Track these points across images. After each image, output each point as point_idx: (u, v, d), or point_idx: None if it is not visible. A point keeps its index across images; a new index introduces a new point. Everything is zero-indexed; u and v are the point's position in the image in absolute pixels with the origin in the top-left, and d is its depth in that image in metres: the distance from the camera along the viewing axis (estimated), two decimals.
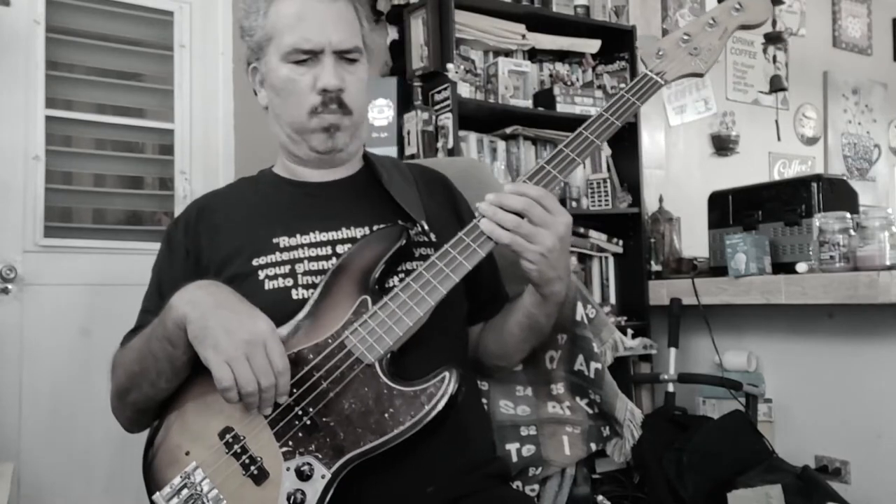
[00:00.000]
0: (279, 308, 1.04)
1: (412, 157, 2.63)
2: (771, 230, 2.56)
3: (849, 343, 2.40)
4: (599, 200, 3.00)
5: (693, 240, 3.09)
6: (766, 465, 2.24)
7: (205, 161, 2.56)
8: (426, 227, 1.15)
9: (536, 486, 1.25)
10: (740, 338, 2.71)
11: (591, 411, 1.27)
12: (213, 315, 0.97)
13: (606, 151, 3.13)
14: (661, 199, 3.18)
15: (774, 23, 3.73)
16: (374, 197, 1.19)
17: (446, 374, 0.99)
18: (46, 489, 2.22)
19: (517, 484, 1.23)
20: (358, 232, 1.14)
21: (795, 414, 2.55)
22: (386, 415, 0.97)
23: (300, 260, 1.12)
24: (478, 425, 1.19)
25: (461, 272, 1.02)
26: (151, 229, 2.48)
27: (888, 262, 2.13)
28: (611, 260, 3.13)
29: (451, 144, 2.60)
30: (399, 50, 2.87)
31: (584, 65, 3.14)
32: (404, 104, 2.73)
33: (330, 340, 1.01)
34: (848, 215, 2.28)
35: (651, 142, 3.46)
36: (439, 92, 2.66)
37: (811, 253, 2.39)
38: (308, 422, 0.98)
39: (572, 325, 1.26)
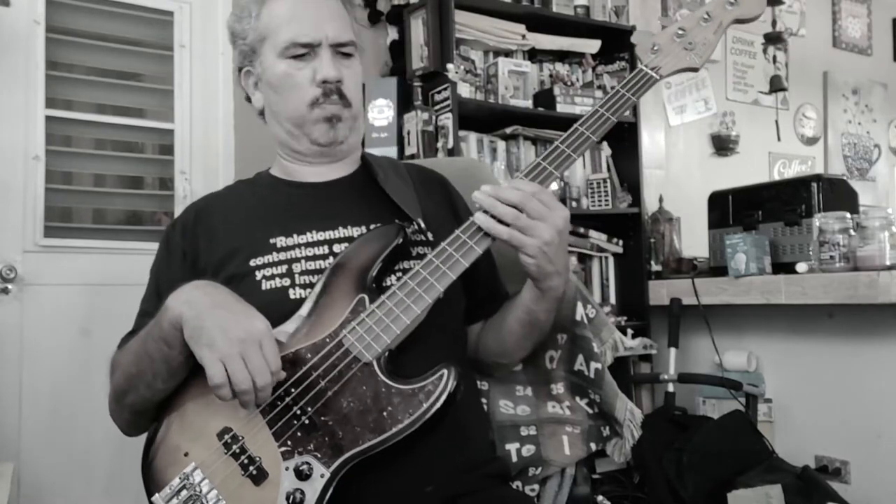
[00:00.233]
0: (276, 308, 1.05)
1: (412, 157, 2.63)
2: (771, 230, 2.56)
3: (849, 343, 2.40)
4: (599, 200, 3.00)
5: (693, 240, 3.09)
6: (766, 465, 2.24)
7: (205, 161, 2.56)
8: (423, 226, 1.15)
9: (536, 486, 1.25)
10: (740, 338, 2.71)
11: (591, 411, 1.27)
12: (209, 314, 0.97)
13: (606, 151, 3.14)
14: (661, 199, 3.18)
15: (774, 23, 3.72)
16: (370, 196, 1.19)
17: (444, 371, 0.99)
18: (46, 489, 2.22)
19: (517, 484, 1.23)
20: (355, 231, 1.15)
21: (795, 414, 2.55)
22: (384, 413, 0.97)
23: (297, 260, 1.12)
24: (477, 425, 1.19)
25: (458, 269, 1.02)
26: (151, 229, 2.48)
27: (888, 262, 2.13)
28: (611, 260, 3.12)
29: (451, 144, 2.60)
30: (399, 50, 2.87)
31: (584, 65, 3.14)
32: (404, 104, 2.73)
33: (328, 339, 1.01)
34: (848, 215, 2.28)
35: (651, 142, 3.46)
36: (439, 92, 2.66)
37: (811, 253, 2.39)
38: (306, 421, 0.98)
39: (572, 325, 1.26)
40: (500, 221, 1.01)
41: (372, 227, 1.14)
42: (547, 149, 1.10)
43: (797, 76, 4.12)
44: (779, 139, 3.88)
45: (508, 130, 2.86)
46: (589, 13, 3.09)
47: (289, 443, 0.97)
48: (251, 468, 0.97)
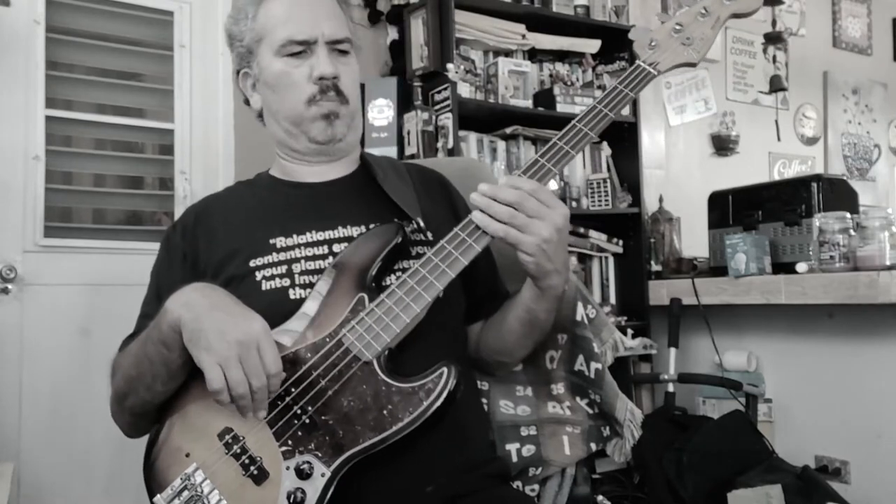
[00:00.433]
0: (277, 308, 1.05)
1: (412, 157, 2.63)
2: (771, 230, 2.56)
3: (849, 343, 2.40)
4: (599, 200, 3.00)
5: (693, 240, 3.09)
6: (766, 465, 2.24)
7: (205, 161, 2.56)
8: (422, 225, 1.15)
9: (536, 486, 1.25)
10: (740, 338, 2.71)
11: (591, 411, 1.27)
12: (207, 317, 0.97)
13: (606, 151, 3.14)
14: (661, 199, 3.18)
15: (774, 23, 3.73)
16: (370, 196, 1.19)
17: (444, 369, 0.99)
18: (46, 489, 2.22)
19: (517, 484, 1.23)
20: (354, 231, 1.15)
21: (795, 414, 2.55)
22: (384, 411, 0.97)
23: (297, 260, 1.12)
24: (477, 425, 1.19)
25: (457, 268, 1.02)
26: (151, 229, 2.48)
27: (888, 262, 2.13)
28: (611, 260, 3.13)
29: (451, 144, 2.60)
30: (399, 50, 2.87)
31: (584, 65, 3.14)
32: (404, 104, 2.73)
33: (328, 339, 1.01)
34: (848, 215, 2.28)
35: (651, 142, 3.46)
36: (439, 92, 2.66)
37: (811, 253, 2.39)
38: (307, 420, 0.98)
39: (572, 326, 1.26)
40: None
41: (371, 226, 1.14)
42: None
43: (797, 76, 4.12)
44: (779, 139, 3.88)
45: (508, 130, 2.86)
46: (589, 13, 3.09)
47: (289, 442, 0.97)
48: (252, 468, 0.97)
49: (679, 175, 3.58)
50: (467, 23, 2.80)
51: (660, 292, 2.92)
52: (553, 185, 0.96)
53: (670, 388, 2.68)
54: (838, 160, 4.37)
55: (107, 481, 2.30)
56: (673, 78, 3.59)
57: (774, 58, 3.92)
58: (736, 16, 1.18)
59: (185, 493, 0.98)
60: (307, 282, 1.10)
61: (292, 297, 1.09)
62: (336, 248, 1.13)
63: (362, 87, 2.28)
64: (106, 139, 2.46)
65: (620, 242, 3.11)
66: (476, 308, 1.24)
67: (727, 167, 3.77)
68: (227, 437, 0.99)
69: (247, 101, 1.28)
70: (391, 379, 0.99)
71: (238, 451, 0.98)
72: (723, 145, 3.78)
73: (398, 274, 1.10)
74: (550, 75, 3.06)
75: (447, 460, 1.07)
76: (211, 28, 2.59)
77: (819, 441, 2.46)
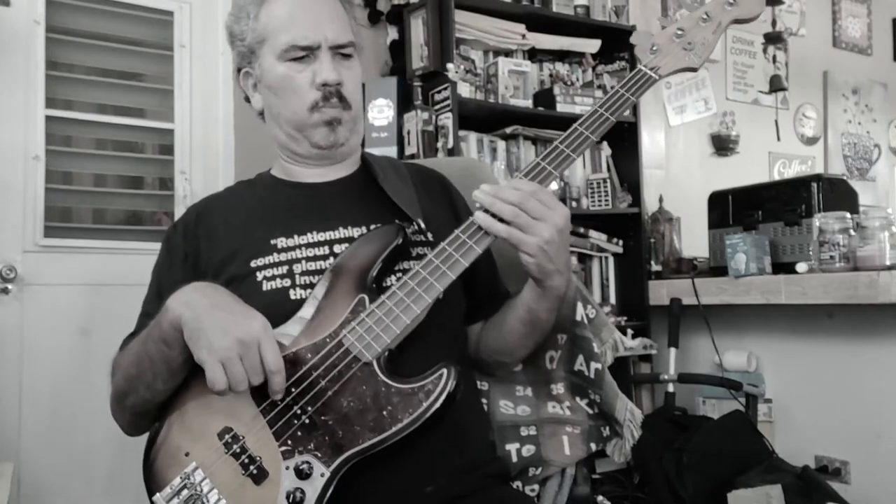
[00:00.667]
0: (277, 308, 1.05)
1: (412, 157, 2.63)
2: (771, 230, 2.56)
3: (849, 343, 2.40)
4: (599, 200, 3.00)
5: (693, 240, 3.09)
6: (766, 465, 2.24)
7: (205, 161, 2.56)
8: (423, 226, 1.15)
9: (536, 487, 1.25)
10: (740, 338, 2.71)
11: (591, 411, 1.27)
12: (208, 316, 0.97)
13: (606, 151, 3.14)
14: (661, 199, 3.18)
15: (774, 23, 3.72)
16: (370, 196, 1.19)
17: (444, 370, 0.99)
18: (46, 489, 2.22)
19: (517, 484, 1.23)
20: (355, 231, 1.15)
21: (795, 414, 2.55)
22: (384, 412, 0.97)
23: (298, 260, 1.12)
24: (477, 425, 1.19)
25: (458, 269, 1.02)
26: (151, 229, 2.48)
27: (888, 262, 2.13)
28: (611, 260, 3.13)
29: (451, 144, 2.60)
30: (399, 50, 2.87)
31: (584, 65, 3.14)
32: (404, 104, 2.73)
33: (328, 339, 1.01)
34: (848, 215, 2.28)
35: (651, 142, 3.46)
36: (439, 92, 2.66)
37: (811, 253, 2.39)
38: (307, 420, 0.98)
39: (572, 326, 1.26)
40: (500, 220, 1.01)
41: (372, 227, 1.14)
42: (547, 149, 1.10)
43: (797, 76, 4.13)
44: (779, 139, 3.88)
45: (508, 130, 2.86)
46: (589, 13, 3.09)
47: (289, 442, 0.97)
48: (251, 467, 0.97)
49: (679, 175, 3.59)
50: (467, 23, 2.80)
51: (660, 292, 2.92)
52: (553, 185, 0.97)
53: (670, 388, 2.69)
54: (838, 160, 4.37)
55: (107, 481, 2.30)
56: (673, 78, 3.57)
57: (774, 58, 3.92)
58: (737, 21, 1.19)
59: (185, 491, 0.98)
60: (308, 282, 1.10)
61: (293, 297, 1.09)
62: (337, 248, 1.13)
63: (362, 86, 2.27)
64: (106, 139, 2.46)
65: (620, 242, 3.12)
66: (476, 309, 1.23)
67: (727, 167, 3.77)
68: (226, 436, 0.99)
69: (247, 99, 1.27)
70: (391, 380, 0.99)
71: (238, 450, 0.98)
72: (723, 145, 3.78)
73: (398, 275, 1.10)
74: (550, 75, 3.06)
75: (447, 461, 1.07)
76: (211, 28, 2.59)
77: (819, 441, 2.46)
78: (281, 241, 1.14)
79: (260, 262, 1.12)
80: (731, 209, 2.72)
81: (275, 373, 0.95)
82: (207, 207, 1.24)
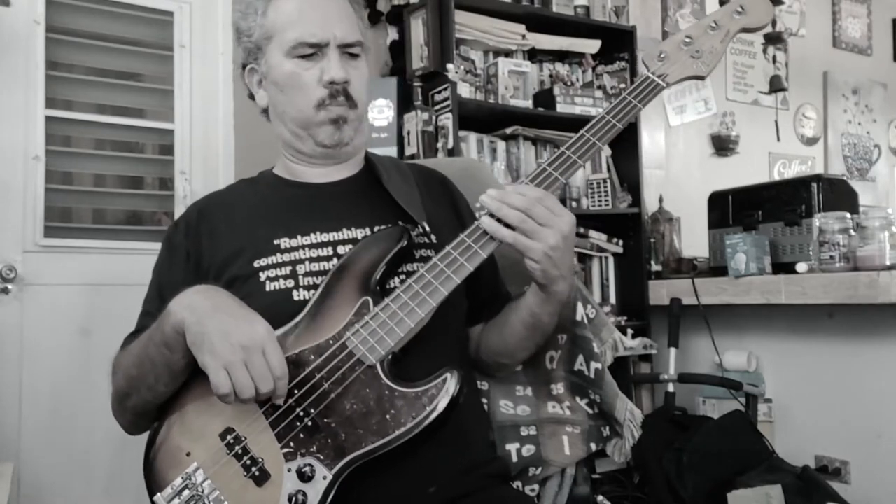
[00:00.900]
0: (280, 309, 1.05)
1: (412, 157, 2.63)
2: (771, 230, 2.56)
3: (849, 343, 2.40)
4: (599, 200, 3.00)
5: (693, 240, 3.09)
6: (766, 465, 2.24)
7: (205, 161, 2.56)
8: (427, 229, 1.15)
9: (536, 487, 1.25)
10: (740, 338, 2.71)
11: (591, 411, 1.27)
12: (210, 320, 0.96)
13: (606, 151, 3.13)
14: (661, 199, 3.18)
15: (774, 23, 3.73)
16: (374, 197, 1.19)
17: (447, 375, 0.98)
18: (46, 489, 2.22)
19: (517, 484, 1.23)
20: (359, 233, 1.14)
21: (795, 414, 2.56)
22: (387, 416, 0.97)
23: (301, 261, 1.11)
24: (477, 425, 1.19)
25: (463, 273, 1.02)
26: (151, 229, 2.48)
27: (888, 262, 2.13)
28: (611, 260, 3.13)
29: (451, 144, 2.60)
30: (399, 50, 2.87)
31: (584, 65, 3.14)
32: (404, 104, 2.73)
33: (331, 341, 1.01)
34: (848, 215, 2.28)
35: (651, 142, 3.46)
36: (439, 92, 2.66)
37: (811, 253, 2.39)
38: (309, 423, 0.98)
39: (572, 326, 1.26)
40: (506, 225, 1.01)
41: (376, 229, 1.14)
42: (548, 149, 1.10)
43: (797, 76, 4.13)
44: (779, 139, 3.89)
45: (508, 130, 2.86)
46: (589, 13, 3.09)
47: (291, 444, 0.97)
48: (253, 469, 0.97)
49: (679, 175, 3.59)
50: (467, 23, 2.80)
51: (660, 292, 2.92)
52: None
53: (670, 388, 2.69)
54: (838, 160, 4.37)
55: (107, 481, 2.30)
56: None
57: (774, 58, 3.92)
58: (745, 30, 1.18)
59: (186, 492, 0.98)
60: (311, 283, 1.09)
61: (296, 298, 1.08)
62: (340, 249, 1.12)
63: None
64: (106, 139, 2.46)
65: (620, 242, 3.12)
66: (477, 310, 1.23)
67: (727, 167, 3.77)
68: (228, 437, 0.99)
69: (251, 96, 1.26)
70: (394, 383, 0.99)
71: (240, 451, 0.98)
72: (723, 145, 3.78)
73: (402, 277, 1.10)
74: (550, 75, 3.06)
75: (448, 463, 1.07)
76: (211, 28, 2.59)
77: (819, 441, 2.46)
78: (284, 242, 1.13)
79: (263, 262, 1.12)
80: (731, 209, 2.72)
81: (279, 377, 0.95)
82: (209, 205, 1.24)
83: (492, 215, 1.01)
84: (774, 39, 3.75)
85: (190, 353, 0.98)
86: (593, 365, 1.25)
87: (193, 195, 2.45)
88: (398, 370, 1.01)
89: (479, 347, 1.25)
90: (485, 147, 2.85)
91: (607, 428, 1.28)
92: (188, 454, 1.00)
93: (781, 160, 4.07)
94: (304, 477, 0.95)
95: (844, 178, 3.50)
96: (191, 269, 1.16)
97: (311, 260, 1.11)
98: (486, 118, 2.82)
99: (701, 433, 2.34)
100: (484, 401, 1.26)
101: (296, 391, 0.98)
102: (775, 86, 3.78)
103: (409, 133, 2.69)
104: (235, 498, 0.97)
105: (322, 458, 0.96)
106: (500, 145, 2.89)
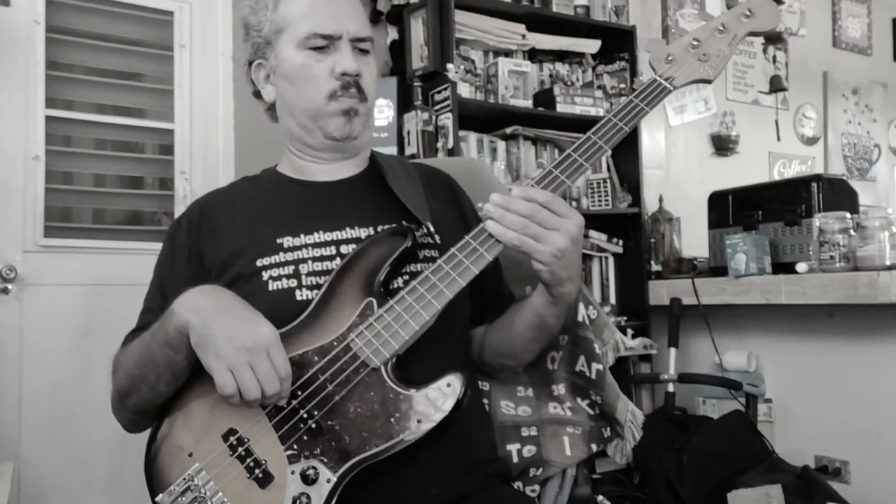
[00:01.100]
0: (283, 309, 1.04)
1: (412, 157, 2.63)
2: (771, 230, 2.56)
3: (849, 343, 2.40)
4: (599, 200, 3.00)
5: (693, 240, 3.09)
6: (766, 465, 2.24)
7: (205, 161, 2.56)
8: (431, 229, 1.14)
9: (537, 487, 1.25)
10: (740, 338, 2.71)
11: (592, 412, 1.27)
12: (215, 322, 0.96)
13: (606, 152, 3.13)
14: (661, 199, 3.18)
15: None
16: (379, 197, 1.18)
17: (452, 377, 0.98)
18: (46, 489, 2.22)
19: (518, 484, 1.23)
20: (362, 232, 1.13)
21: (795, 414, 2.56)
22: (392, 419, 0.97)
23: (304, 260, 1.11)
24: (479, 426, 1.18)
25: (468, 276, 1.01)
26: (151, 229, 2.48)
27: (888, 262, 2.13)
28: (611, 260, 3.13)
29: (451, 144, 2.60)
30: (399, 50, 2.87)
31: (584, 65, 3.14)
32: (404, 104, 2.73)
33: (335, 343, 1.01)
34: (848, 215, 2.28)
35: (651, 142, 3.46)
36: (439, 92, 2.66)
37: (811, 253, 2.39)
38: (313, 425, 0.97)
39: (574, 326, 1.26)
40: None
41: (380, 228, 1.13)
42: (548, 149, 1.10)
43: (797, 76, 4.13)
44: (779, 139, 3.89)
45: (508, 130, 2.86)
46: (589, 13, 3.09)
47: (295, 447, 0.97)
48: (257, 471, 0.97)
49: (679, 175, 3.59)
50: (467, 23, 2.80)
51: (660, 292, 2.92)
52: None
53: (670, 388, 2.69)
54: (838, 160, 4.37)
55: (107, 481, 2.30)
56: None
57: (774, 58, 3.92)
58: (753, 34, 1.18)
59: (189, 493, 0.97)
60: (314, 283, 1.09)
61: (299, 297, 1.08)
62: (344, 249, 1.11)
63: None
64: (106, 139, 2.46)
65: (620, 242, 3.12)
66: (481, 311, 1.23)
67: (727, 167, 3.77)
68: (231, 438, 0.98)
69: (256, 94, 1.25)
70: (399, 386, 0.98)
71: (243, 453, 0.98)
72: (723, 145, 3.78)
73: (405, 277, 1.10)
74: (550, 75, 3.06)
75: (450, 464, 1.07)
76: (211, 28, 2.58)
77: (819, 441, 2.47)
78: (287, 241, 1.12)
79: (266, 261, 1.11)
80: (731, 209, 2.72)
81: (283, 379, 0.95)
82: (211, 203, 1.23)
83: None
84: (774, 39, 3.75)
85: (193, 354, 0.98)
86: (595, 366, 1.25)
87: (193, 195, 2.45)
88: (402, 372, 1.00)
89: (483, 349, 1.24)
90: (485, 147, 2.85)
91: (608, 429, 1.28)
92: (190, 454, 1.00)
93: (781, 160, 4.07)
94: (308, 480, 0.95)
95: (844, 178, 3.50)
96: (193, 266, 1.15)
97: (315, 259, 1.11)
98: (486, 118, 2.82)
99: (701, 433, 2.34)
100: (485, 401, 1.26)
101: (299, 393, 0.98)
102: (775, 86, 3.78)
103: (409, 133, 2.69)
104: (238, 500, 0.96)
105: (326, 460, 0.96)
106: (500, 145, 2.89)
